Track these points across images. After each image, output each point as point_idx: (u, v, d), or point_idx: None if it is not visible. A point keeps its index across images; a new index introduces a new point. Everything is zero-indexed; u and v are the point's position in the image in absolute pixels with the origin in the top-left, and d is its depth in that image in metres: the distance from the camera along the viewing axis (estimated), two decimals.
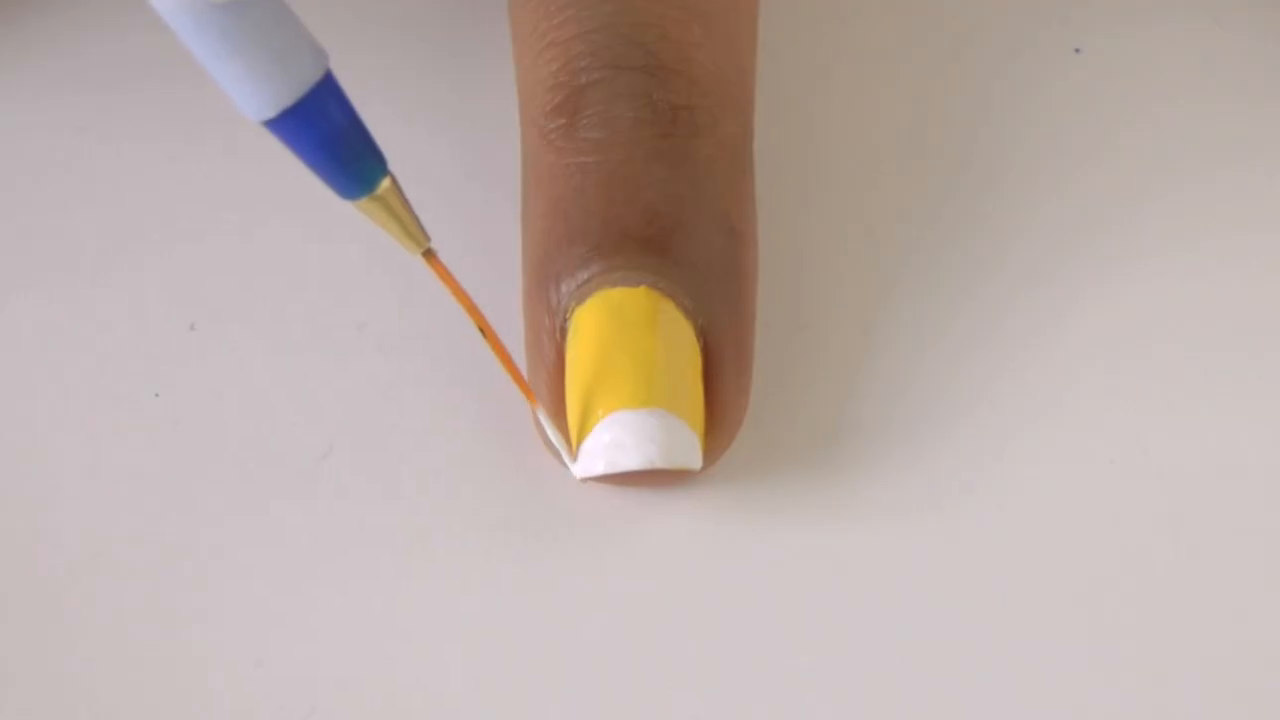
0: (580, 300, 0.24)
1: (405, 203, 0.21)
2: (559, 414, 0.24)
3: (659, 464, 0.23)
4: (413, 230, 0.22)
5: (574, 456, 0.24)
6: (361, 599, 0.24)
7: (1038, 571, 0.24)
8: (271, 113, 0.20)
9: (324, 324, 0.27)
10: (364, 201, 0.21)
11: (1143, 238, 0.28)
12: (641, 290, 0.23)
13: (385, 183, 0.21)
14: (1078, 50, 0.30)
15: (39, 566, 0.24)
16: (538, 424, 0.24)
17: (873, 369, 0.26)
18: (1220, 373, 0.26)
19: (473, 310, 0.23)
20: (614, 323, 0.23)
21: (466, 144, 0.29)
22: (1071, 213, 0.28)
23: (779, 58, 0.29)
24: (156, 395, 0.26)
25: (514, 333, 0.26)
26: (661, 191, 0.24)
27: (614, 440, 0.23)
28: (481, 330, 0.23)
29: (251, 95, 0.19)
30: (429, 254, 0.22)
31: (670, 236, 0.24)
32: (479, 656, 0.23)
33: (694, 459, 0.23)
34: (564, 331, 0.24)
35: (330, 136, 0.20)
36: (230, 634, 0.24)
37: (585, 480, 0.24)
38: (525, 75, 0.26)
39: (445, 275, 0.22)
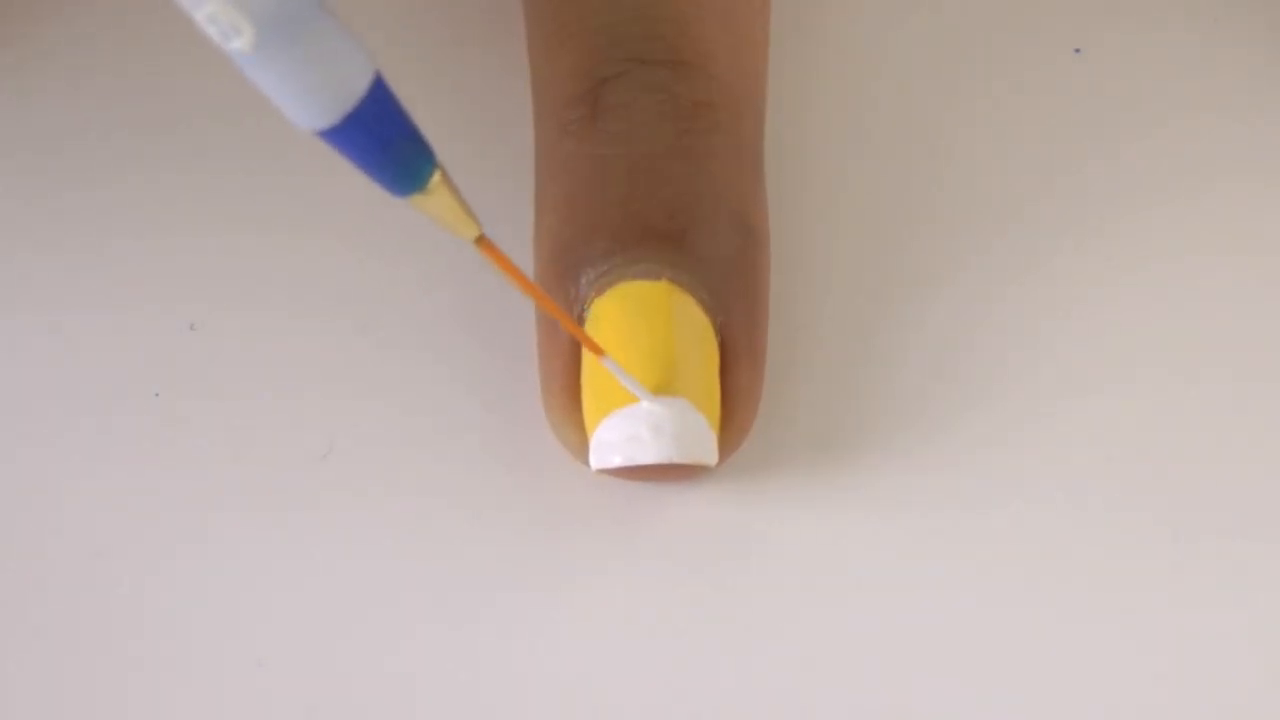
0: (600, 291, 0.24)
1: (455, 192, 0.21)
2: (572, 402, 0.24)
3: (676, 459, 0.23)
4: (464, 219, 0.21)
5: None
6: (362, 598, 0.24)
7: (1041, 567, 0.24)
8: (324, 124, 0.19)
9: (324, 324, 0.27)
10: (416, 197, 0.21)
11: (1143, 237, 0.27)
12: (662, 283, 0.24)
13: (436, 177, 0.20)
14: (1078, 50, 0.30)
15: (39, 566, 0.24)
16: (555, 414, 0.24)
17: (877, 367, 0.26)
18: (1220, 371, 0.26)
19: (534, 291, 0.22)
20: (634, 314, 0.23)
21: (470, 131, 0.29)
22: (1072, 213, 0.28)
23: (778, 56, 0.29)
24: (156, 395, 0.26)
25: (525, 318, 0.26)
26: (682, 187, 0.24)
27: (632, 433, 0.23)
28: (550, 312, 0.23)
29: (304, 109, 0.19)
30: (481, 239, 0.21)
31: (690, 232, 0.24)
32: (480, 655, 0.23)
33: (710, 454, 0.23)
34: (582, 321, 0.24)
35: (382, 140, 0.20)
36: (230, 634, 0.24)
37: (600, 471, 0.24)
38: (543, 64, 0.26)
39: (501, 259, 0.22)
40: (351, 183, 0.28)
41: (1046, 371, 0.26)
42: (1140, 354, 0.26)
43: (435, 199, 0.21)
